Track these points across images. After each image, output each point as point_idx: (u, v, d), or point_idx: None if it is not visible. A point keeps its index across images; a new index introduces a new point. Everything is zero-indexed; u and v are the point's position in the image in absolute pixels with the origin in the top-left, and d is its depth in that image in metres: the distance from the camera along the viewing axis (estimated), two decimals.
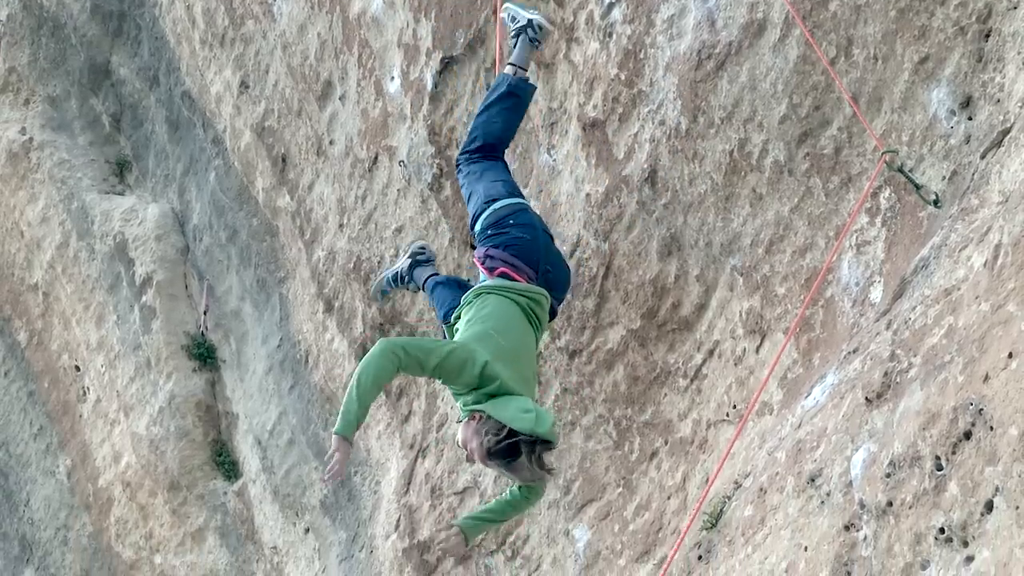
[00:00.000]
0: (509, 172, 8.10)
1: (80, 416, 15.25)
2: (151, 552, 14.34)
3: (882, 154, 6.52)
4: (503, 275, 7.40)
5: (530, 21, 8.02)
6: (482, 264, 7.55)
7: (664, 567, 6.60)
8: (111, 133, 15.48)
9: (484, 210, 7.64)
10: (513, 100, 7.96)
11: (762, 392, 7.47)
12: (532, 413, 6.77)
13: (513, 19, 8.15)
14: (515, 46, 8.08)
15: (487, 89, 8.89)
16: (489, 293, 7.34)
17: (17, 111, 15.92)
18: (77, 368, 15.25)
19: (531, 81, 8.19)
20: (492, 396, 6.91)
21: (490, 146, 7.93)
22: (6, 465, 16.74)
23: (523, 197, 7.94)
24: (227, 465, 13.61)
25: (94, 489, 15.05)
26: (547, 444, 6.82)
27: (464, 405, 7.03)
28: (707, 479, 7.87)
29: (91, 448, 15.06)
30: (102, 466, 14.86)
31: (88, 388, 15.09)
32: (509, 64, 8.06)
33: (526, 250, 7.46)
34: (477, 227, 7.70)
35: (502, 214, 7.52)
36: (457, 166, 8.07)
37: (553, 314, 7.78)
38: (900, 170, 6.47)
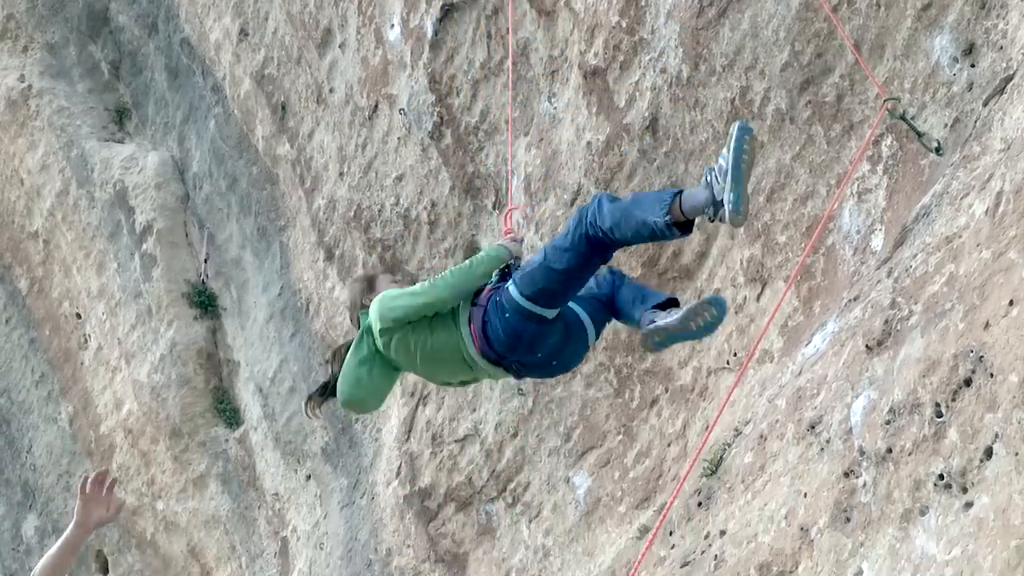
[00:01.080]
0: (584, 283, 6.75)
1: (81, 363, 15.28)
2: (153, 498, 14.39)
3: (884, 102, 6.50)
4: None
5: (722, 202, 6.11)
6: (473, 303, 7.08)
7: (662, 514, 6.64)
8: (110, 80, 15.43)
9: (514, 289, 6.56)
10: (650, 236, 6.43)
11: (762, 340, 7.49)
12: (351, 380, 6.82)
13: (717, 175, 6.10)
14: (702, 186, 6.23)
15: (488, 39, 8.71)
16: (461, 314, 6.90)
17: (16, 58, 15.87)
18: (78, 316, 15.27)
19: (682, 229, 6.31)
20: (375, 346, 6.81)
21: (604, 245, 6.43)
22: (8, 412, 16.78)
23: (555, 307, 6.69)
24: (228, 412, 13.64)
25: (96, 436, 15.08)
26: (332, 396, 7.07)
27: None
28: (707, 426, 7.89)
29: (92, 395, 15.09)
30: (104, 413, 14.90)
31: (89, 336, 15.11)
32: (680, 197, 6.19)
33: (497, 339, 6.86)
34: (507, 284, 6.68)
35: (513, 309, 6.51)
36: (591, 205, 6.45)
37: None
38: (902, 118, 6.46)
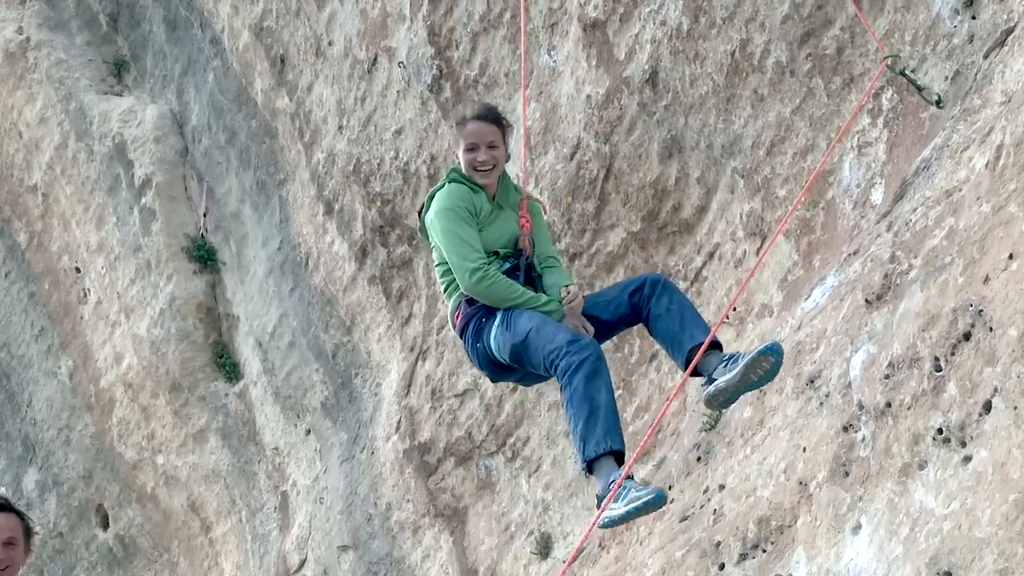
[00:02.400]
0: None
1: (81, 317, 15.27)
2: (153, 452, 14.41)
3: (883, 59, 6.48)
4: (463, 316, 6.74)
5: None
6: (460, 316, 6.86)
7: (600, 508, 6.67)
8: (108, 32, 15.35)
9: (493, 342, 6.38)
10: (577, 433, 6.14)
11: (756, 291, 7.48)
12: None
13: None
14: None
15: None
16: (455, 294, 6.76)
17: (14, 10, 15.79)
18: (77, 270, 15.24)
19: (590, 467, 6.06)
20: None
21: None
22: (8, 366, 16.77)
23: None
24: (228, 367, 13.64)
25: (96, 390, 15.09)
26: None
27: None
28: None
29: (92, 349, 15.09)
30: (104, 367, 14.90)
31: (89, 290, 15.10)
32: (608, 461, 6.00)
33: (465, 345, 6.76)
34: (493, 322, 6.47)
35: (484, 348, 6.39)
36: (574, 366, 6.19)
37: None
38: (902, 73, 6.44)
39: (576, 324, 6.21)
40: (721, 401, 5.99)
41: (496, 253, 6.47)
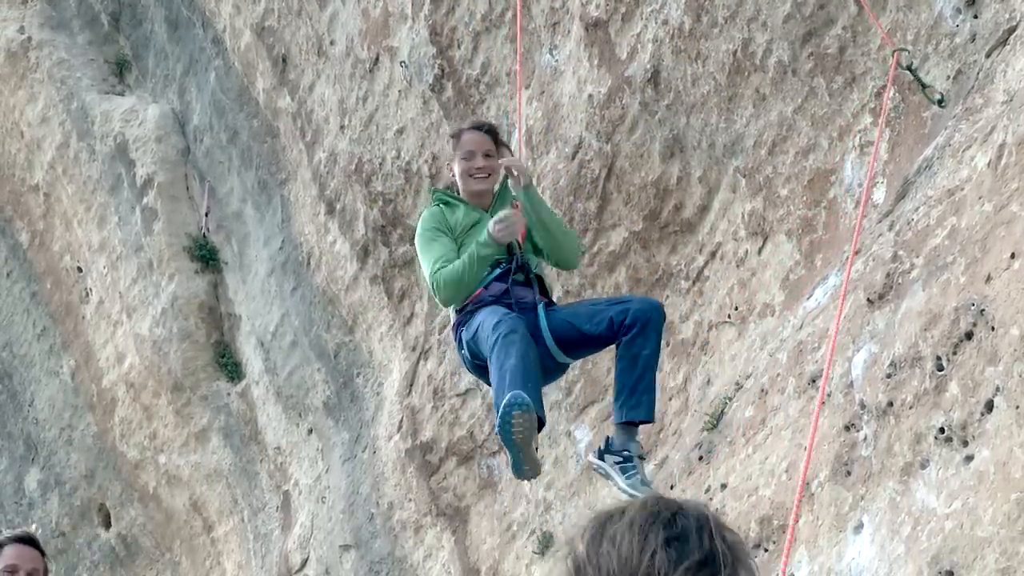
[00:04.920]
0: None
1: (83, 317, 15.27)
2: (155, 452, 14.42)
3: (894, 52, 6.48)
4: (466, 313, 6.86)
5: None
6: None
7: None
8: (110, 32, 15.36)
9: (467, 353, 6.65)
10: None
11: (758, 290, 7.47)
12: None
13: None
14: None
15: None
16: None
17: (15, 9, 15.80)
18: (79, 269, 15.25)
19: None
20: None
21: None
22: (10, 366, 16.78)
23: None
24: (230, 366, 13.64)
25: (98, 390, 15.09)
26: None
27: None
28: (708, 380, 7.89)
29: (94, 349, 15.09)
30: (106, 367, 14.90)
31: (91, 289, 15.10)
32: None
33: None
34: (465, 328, 6.69)
35: (468, 354, 6.61)
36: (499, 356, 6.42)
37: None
38: (909, 68, 6.44)
39: (504, 228, 6.45)
40: (594, 470, 6.51)
41: None
